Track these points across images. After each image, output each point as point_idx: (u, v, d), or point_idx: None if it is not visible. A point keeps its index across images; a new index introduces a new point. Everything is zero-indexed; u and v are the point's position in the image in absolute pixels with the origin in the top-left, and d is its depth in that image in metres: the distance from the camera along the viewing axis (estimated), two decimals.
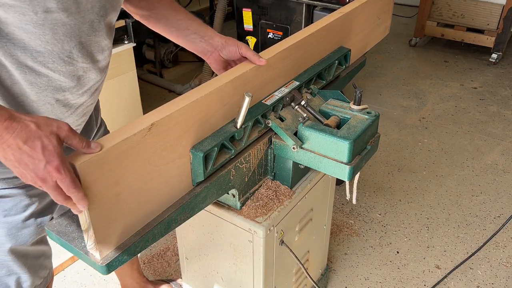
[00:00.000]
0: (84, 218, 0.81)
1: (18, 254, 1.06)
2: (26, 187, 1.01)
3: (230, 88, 1.03)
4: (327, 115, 1.18)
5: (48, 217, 1.09)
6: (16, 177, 0.97)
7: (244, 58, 1.14)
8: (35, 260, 1.11)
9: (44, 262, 1.15)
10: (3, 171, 0.95)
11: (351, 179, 1.10)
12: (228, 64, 1.20)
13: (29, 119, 0.73)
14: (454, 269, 1.87)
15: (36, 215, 1.06)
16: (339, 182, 2.24)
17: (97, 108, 1.24)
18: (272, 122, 1.13)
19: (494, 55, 3.84)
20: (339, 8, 1.50)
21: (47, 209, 1.09)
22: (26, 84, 0.88)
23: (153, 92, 3.49)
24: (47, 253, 1.15)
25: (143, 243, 0.91)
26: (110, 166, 0.80)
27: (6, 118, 0.71)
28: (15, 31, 0.81)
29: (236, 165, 1.09)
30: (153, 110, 0.90)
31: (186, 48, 1.21)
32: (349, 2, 2.35)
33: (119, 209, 0.85)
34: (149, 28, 1.23)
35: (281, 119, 1.16)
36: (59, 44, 0.87)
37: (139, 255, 1.92)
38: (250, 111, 1.10)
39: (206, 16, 3.60)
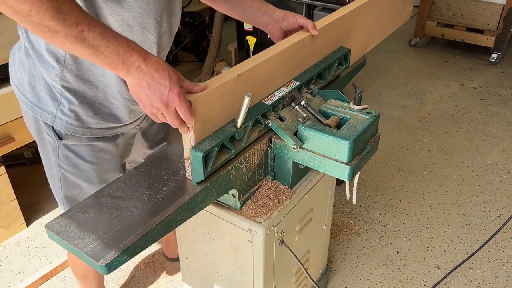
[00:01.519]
0: (189, 146, 0.99)
1: None
2: (113, 138, 1.23)
3: (289, 52, 1.21)
4: (327, 115, 1.18)
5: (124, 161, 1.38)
6: (105, 128, 1.18)
7: (300, 28, 1.30)
8: None
9: None
10: (99, 121, 1.15)
11: (351, 179, 1.10)
12: (286, 35, 1.34)
13: (159, 58, 0.91)
14: (454, 269, 1.87)
15: (119, 159, 1.32)
16: (339, 182, 2.24)
17: None
18: (272, 122, 1.13)
19: (494, 55, 3.84)
20: (339, 8, 1.50)
21: (126, 157, 1.37)
22: None
23: None
24: None
25: (143, 243, 0.91)
26: (211, 105, 0.99)
27: (144, 54, 0.89)
28: None
29: (236, 165, 1.09)
30: (239, 64, 1.09)
31: (249, 23, 1.39)
32: (349, 2, 2.35)
33: None
34: None
35: (281, 119, 1.16)
36: (156, 5, 1.05)
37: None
38: (250, 111, 1.10)
39: (206, 16, 3.59)
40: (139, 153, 1.44)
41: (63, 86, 1.08)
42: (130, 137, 1.33)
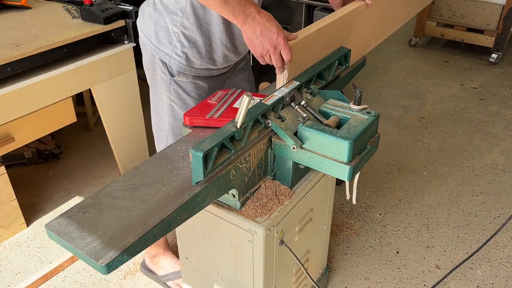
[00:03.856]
0: (282, 79, 1.24)
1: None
2: (209, 79, 1.49)
3: (349, 16, 1.44)
4: (327, 115, 1.18)
5: None
6: (204, 69, 1.44)
7: None
8: None
9: None
10: (202, 62, 1.41)
11: (351, 179, 1.10)
12: (344, 3, 1.55)
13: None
14: (454, 269, 1.87)
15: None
16: (339, 182, 2.24)
17: None
18: (272, 122, 1.13)
19: (494, 55, 3.84)
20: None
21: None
22: None
23: None
24: None
25: (143, 243, 0.91)
26: (299, 52, 1.23)
27: (258, 7, 1.15)
28: None
29: (236, 165, 1.09)
30: (318, 20, 1.35)
31: None
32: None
33: None
34: None
35: (281, 119, 1.16)
36: None
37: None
38: (250, 111, 1.10)
39: None
40: None
41: (181, 32, 1.35)
42: (221, 81, 1.57)
